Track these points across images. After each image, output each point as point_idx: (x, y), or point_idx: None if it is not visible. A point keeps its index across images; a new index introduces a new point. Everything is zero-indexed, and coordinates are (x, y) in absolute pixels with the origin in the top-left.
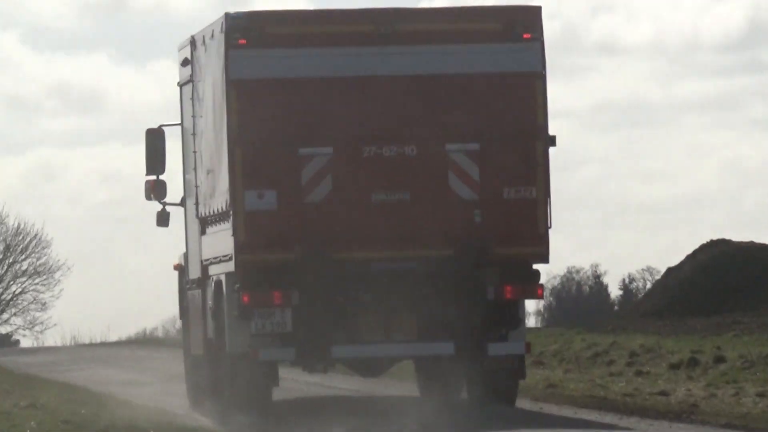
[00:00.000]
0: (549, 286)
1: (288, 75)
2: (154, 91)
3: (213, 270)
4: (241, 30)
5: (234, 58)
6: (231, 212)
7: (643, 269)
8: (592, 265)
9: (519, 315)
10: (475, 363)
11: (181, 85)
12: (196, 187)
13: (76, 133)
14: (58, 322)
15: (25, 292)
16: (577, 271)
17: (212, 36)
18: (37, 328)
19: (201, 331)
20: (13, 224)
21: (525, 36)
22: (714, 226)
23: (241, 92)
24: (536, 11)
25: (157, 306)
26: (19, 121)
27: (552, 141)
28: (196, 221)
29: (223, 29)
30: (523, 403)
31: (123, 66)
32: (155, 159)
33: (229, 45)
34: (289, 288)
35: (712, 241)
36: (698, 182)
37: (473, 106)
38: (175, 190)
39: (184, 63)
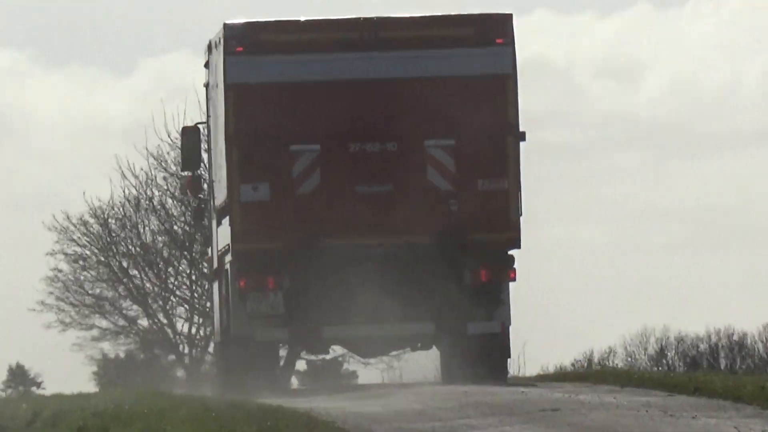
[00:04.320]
0: None
1: (280, 79)
2: None
3: (225, 259)
4: (237, 38)
5: (231, 64)
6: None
7: None
8: None
9: (500, 297)
10: (458, 341)
11: (205, 86)
12: (212, 182)
13: None
14: None
15: None
16: None
17: (218, 42)
18: None
19: (219, 319)
20: None
21: (497, 41)
22: None
23: (237, 95)
24: (507, 18)
25: None
26: None
27: (522, 136)
28: (214, 214)
29: (222, 37)
30: None
31: None
32: (190, 156)
33: (227, 52)
34: (281, 273)
35: None
36: None
37: (449, 105)
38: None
39: (206, 65)
